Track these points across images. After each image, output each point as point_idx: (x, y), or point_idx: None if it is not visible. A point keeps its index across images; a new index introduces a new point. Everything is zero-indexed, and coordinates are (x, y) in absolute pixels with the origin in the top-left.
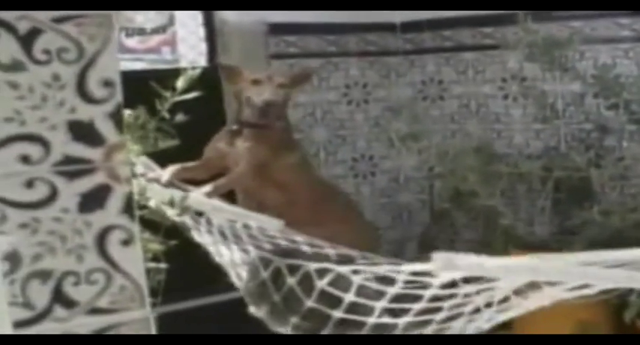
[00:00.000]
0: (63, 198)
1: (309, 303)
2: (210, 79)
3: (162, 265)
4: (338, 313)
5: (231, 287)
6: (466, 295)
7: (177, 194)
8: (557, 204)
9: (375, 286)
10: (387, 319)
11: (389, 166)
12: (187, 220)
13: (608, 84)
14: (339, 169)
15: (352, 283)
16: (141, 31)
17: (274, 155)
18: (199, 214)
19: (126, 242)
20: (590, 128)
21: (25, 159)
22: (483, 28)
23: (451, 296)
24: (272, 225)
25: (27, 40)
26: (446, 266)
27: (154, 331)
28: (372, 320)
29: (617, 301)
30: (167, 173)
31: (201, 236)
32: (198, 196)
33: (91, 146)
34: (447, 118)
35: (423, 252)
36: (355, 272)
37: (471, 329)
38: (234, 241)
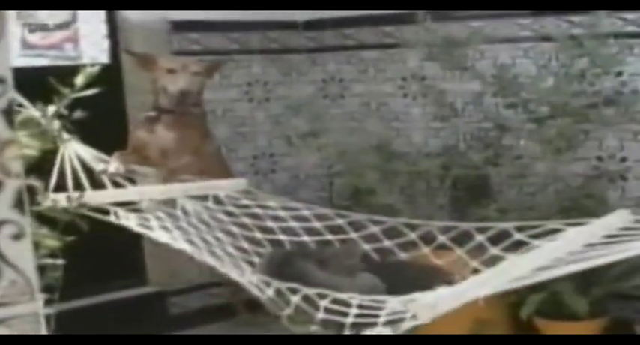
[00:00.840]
0: None
1: (320, 315)
2: (110, 76)
3: (60, 262)
4: (349, 320)
5: (132, 284)
6: None
7: (73, 194)
8: (455, 202)
9: (373, 304)
10: (398, 307)
11: (289, 163)
12: (166, 222)
13: (507, 83)
14: (240, 167)
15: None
16: (44, 27)
17: (202, 142)
18: (171, 204)
19: (17, 236)
20: (489, 127)
21: None
22: (384, 26)
23: None
24: (237, 184)
25: None
26: (430, 311)
27: (44, 326)
28: (383, 319)
29: (514, 298)
30: (120, 164)
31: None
32: (160, 187)
33: None
34: (348, 116)
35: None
36: (351, 297)
37: None
38: (217, 226)
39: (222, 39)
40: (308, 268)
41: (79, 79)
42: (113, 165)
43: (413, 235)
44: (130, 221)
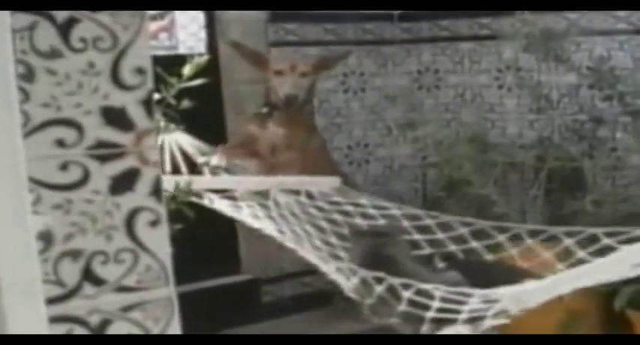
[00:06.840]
0: (95, 180)
1: (401, 308)
2: (208, 66)
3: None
4: (430, 314)
5: (226, 272)
6: None
7: (182, 179)
8: (550, 194)
9: (456, 297)
10: (480, 305)
11: (383, 154)
12: (258, 211)
13: (603, 76)
14: (334, 156)
15: (434, 295)
16: None
17: (309, 138)
18: (264, 195)
19: (153, 223)
20: (584, 119)
21: (60, 143)
22: (480, 18)
23: None
24: (330, 182)
25: (65, 29)
26: (516, 303)
27: (177, 310)
28: (464, 316)
29: (606, 289)
30: (222, 158)
31: (267, 224)
32: (256, 178)
33: (123, 131)
34: (442, 107)
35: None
36: (436, 288)
37: None
38: (307, 219)
39: (318, 29)
40: (398, 256)
41: (187, 70)
42: (217, 158)
43: (501, 238)
44: (223, 207)
